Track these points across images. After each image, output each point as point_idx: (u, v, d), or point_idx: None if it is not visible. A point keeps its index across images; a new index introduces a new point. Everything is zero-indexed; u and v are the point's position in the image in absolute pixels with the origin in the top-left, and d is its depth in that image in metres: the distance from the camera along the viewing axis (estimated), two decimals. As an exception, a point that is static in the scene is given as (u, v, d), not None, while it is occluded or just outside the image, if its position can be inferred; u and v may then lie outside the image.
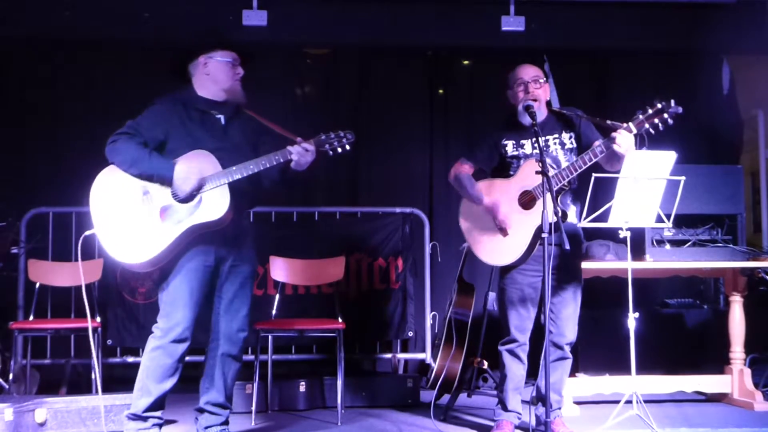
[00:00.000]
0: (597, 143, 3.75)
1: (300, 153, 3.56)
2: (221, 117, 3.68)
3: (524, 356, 3.95)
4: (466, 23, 5.77)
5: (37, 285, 5.12)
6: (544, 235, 3.44)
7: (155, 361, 3.52)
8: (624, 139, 3.64)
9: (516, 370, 3.94)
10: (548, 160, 3.85)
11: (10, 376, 4.89)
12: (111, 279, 5.41)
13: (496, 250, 3.91)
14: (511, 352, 3.93)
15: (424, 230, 5.85)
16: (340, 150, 3.65)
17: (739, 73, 6.28)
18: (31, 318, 5.05)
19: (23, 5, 5.51)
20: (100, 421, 3.93)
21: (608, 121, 3.75)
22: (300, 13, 5.68)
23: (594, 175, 3.83)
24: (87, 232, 3.57)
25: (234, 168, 3.53)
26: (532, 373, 4.07)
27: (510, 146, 3.96)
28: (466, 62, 6.39)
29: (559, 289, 3.88)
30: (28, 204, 5.56)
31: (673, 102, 3.64)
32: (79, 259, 3.72)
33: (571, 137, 3.94)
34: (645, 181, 3.93)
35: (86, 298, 3.67)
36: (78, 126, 5.87)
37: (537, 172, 3.55)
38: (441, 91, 6.32)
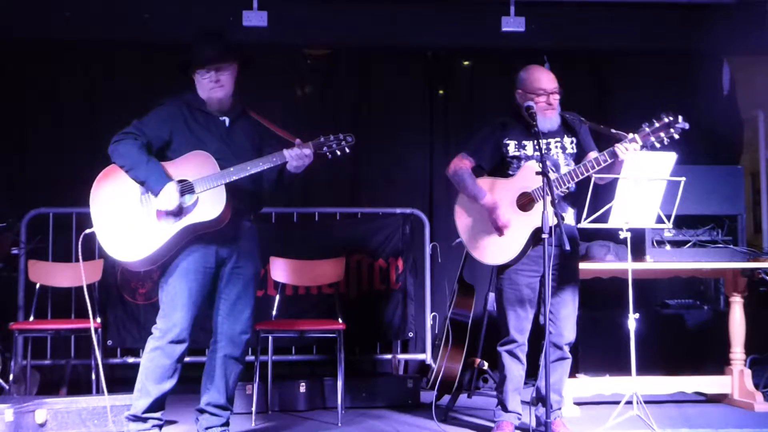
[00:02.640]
0: (599, 153, 3.79)
1: (297, 156, 3.55)
2: (225, 119, 3.70)
3: (523, 357, 3.96)
4: (466, 24, 5.76)
5: (38, 286, 5.12)
6: (544, 236, 3.46)
7: (154, 362, 3.54)
8: (630, 151, 3.70)
9: (515, 370, 3.95)
10: (548, 163, 3.86)
11: (11, 377, 4.88)
12: (111, 280, 5.40)
13: (491, 249, 3.92)
14: (511, 353, 3.94)
15: (424, 231, 5.85)
16: (339, 153, 3.63)
17: (739, 74, 6.28)
18: (32, 319, 5.05)
19: (24, 5, 5.50)
20: (101, 421, 3.94)
21: (612, 130, 3.78)
22: (300, 14, 5.67)
23: (594, 175, 3.83)
24: (87, 231, 3.63)
25: (232, 169, 3.54)
26: (531, 374, 4.07)
27: (512, 146, 3.96)
28: (466, 63, 6.38)
29: (557, 289, 3.89)
30: (28, 205, 5.56)
31: (680, 118, 3.69)
32: (80, 258, 3.77)
33: (572, 142, 3.96)
34: (645, 182, 3.93)
35: (88, 298, 3.68)
36: (78, 126, 5.87)
37: (537, 173, 3.56)
38: (441, 91, 6.31)
